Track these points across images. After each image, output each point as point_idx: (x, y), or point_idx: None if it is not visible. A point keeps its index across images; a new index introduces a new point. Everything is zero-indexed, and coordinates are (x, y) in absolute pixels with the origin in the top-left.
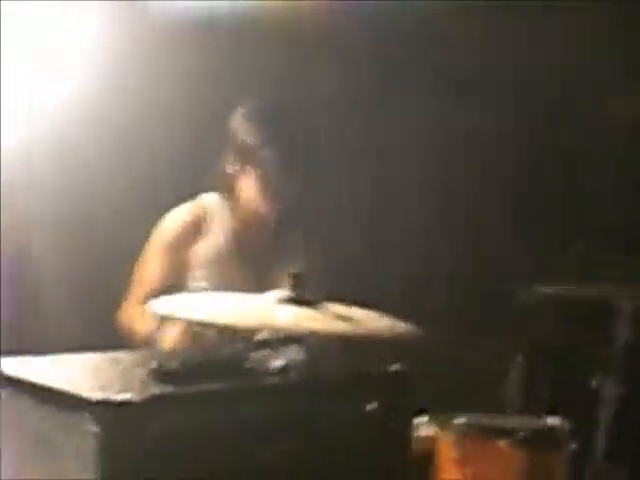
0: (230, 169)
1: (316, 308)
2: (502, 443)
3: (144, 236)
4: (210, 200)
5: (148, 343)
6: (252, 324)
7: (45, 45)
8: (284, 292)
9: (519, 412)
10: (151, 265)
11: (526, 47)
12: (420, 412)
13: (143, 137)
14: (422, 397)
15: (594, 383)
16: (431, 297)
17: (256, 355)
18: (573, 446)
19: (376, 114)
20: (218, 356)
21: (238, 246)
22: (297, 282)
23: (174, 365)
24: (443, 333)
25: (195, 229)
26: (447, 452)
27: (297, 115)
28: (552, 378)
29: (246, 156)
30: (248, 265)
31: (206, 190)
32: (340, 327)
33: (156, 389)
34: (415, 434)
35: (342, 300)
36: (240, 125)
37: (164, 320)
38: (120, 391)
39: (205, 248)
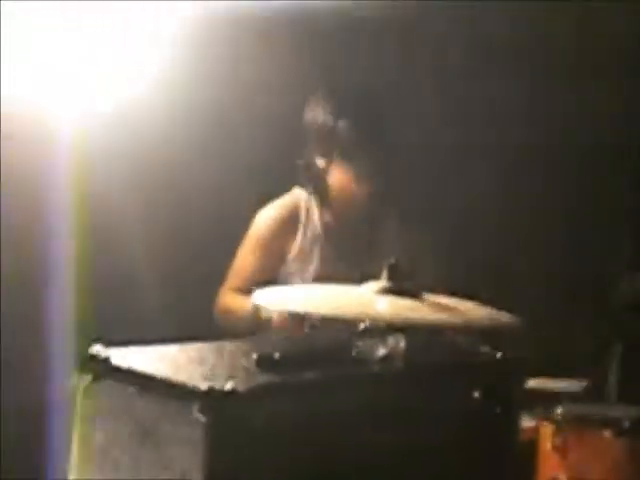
0: (319, 162)
1: (415, 298)
2: (606, 433)
3: (238, 231)
4: (302, 194)
5: (245, 326)
6: (352, 314)
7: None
8: (382, 283)
9: (619, 402)
10: (247, 257)
11: None
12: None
13: (233, 134)
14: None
15: None
16: (528, 287)
17: (361, 344)
18: None
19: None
20: (322, 345)
21: (332, 239)
22: (394, 273)
23: (278, 354)
24: (541, 324)
25: (290, 223)
26: (548, 442)
27: (371, 96)
28: None
29: (330, 139)
30: (344, 257)
31: (297, 185)
32: (439, 317)
33: (262, 378)
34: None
35: (441, 290)
36: (317, 109)
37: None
38: (226, 380)
39: (300, 241)
